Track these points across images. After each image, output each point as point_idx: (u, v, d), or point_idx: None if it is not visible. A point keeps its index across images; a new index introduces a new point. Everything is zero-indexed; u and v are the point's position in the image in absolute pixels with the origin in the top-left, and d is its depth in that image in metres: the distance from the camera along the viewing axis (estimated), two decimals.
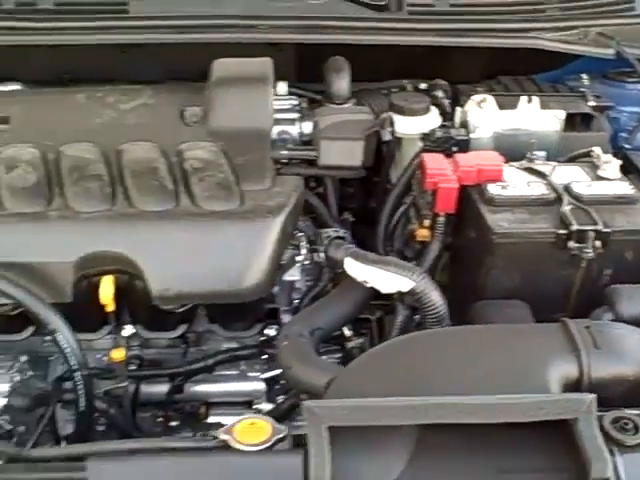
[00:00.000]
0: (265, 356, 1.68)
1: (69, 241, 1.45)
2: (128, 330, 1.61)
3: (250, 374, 1.68)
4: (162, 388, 1.65)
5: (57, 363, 1.64)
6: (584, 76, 1.92)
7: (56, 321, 1.37)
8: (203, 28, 1.77)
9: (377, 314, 1.70)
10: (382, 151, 1.75)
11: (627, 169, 1.60)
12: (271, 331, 1.67)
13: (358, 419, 1.07)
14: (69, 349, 1.38)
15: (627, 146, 1.80)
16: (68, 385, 1.54)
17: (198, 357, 1.67)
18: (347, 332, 1.62)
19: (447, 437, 1.11)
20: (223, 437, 1.15)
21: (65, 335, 1.38)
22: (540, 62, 1.93)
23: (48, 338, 1.64)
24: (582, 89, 1.84)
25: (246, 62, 1.65)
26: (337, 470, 1.02)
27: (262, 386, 1.66)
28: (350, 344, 1.61)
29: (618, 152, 1.69)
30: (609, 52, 1.84)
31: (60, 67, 1.86)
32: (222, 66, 1.63)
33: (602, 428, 1.07)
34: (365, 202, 1.91)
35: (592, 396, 1.08)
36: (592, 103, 1.77)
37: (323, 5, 1.80)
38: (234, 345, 1.70)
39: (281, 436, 1.15)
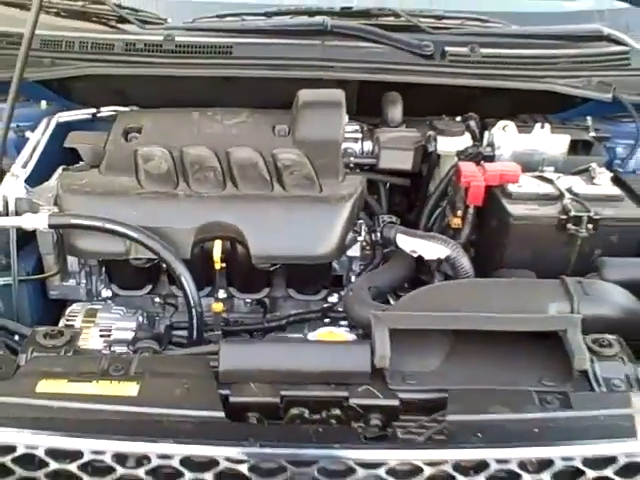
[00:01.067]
0: (327, 320, 2.03)
1: (191, 213, 1.88)
2: (221, 294, 2.04)
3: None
4: None
5: (161, 322, 2.05)
6: (588, 118, 2.33)
7: (181, 268, 1.80)
8: (289, 67, 2.27)
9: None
10: (422, 171, 2.22)
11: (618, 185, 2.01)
12: (333, 298, 2.08)
13: (408, 324, 1.51)
14: (189, 290, 1.81)
15: (620, 170, 2.25)
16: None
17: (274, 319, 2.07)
18: (392, 301, 1.97)
19: (472, 346, 1.53)
20: (311, 339, 1.59)
21: (187, 279, 1.80)
22: (552, 105, 2.39)
23: (157, 300, 2.10)
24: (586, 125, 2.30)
25: (324, 92, 2.14)
26: (393, 358, 1.45)
27: None
28: None
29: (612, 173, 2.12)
30: (608, 96, 2.28)
31: (170, 95, 2.35)
32: (306, 93, 2.12)
33: (585, 343, 1.47)
34: (405, 211, 2.33)
35: (579, 315, 1.51)
36: (593, 134, 2.23)
37: (383, 53, 2.31)
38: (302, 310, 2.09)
39: (353, 339, 1.59)
